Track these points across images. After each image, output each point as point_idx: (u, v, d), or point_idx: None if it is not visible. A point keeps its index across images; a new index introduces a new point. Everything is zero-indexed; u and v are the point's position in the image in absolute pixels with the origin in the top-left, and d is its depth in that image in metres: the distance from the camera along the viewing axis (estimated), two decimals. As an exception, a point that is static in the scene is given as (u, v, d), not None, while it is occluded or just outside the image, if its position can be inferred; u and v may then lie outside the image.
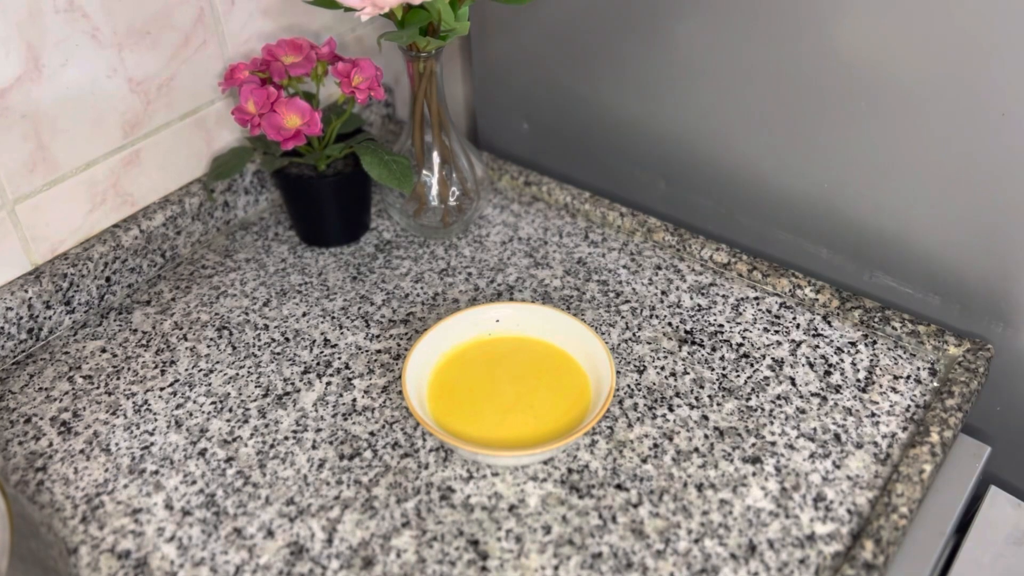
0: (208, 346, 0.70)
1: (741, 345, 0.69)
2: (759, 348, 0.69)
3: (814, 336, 0.70)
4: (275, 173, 0.76)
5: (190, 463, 0.61)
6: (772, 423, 0.63)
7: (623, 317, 0.72)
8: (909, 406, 0.64)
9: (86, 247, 0.72)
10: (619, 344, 0.69)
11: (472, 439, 0.60)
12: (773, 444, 0.61)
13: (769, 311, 0.72)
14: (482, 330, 0.67)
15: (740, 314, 0.72)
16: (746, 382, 0.66)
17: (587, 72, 0.81)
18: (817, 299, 0.72)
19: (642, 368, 0.67)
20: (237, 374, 0.68)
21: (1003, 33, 0.57)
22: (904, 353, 0.68)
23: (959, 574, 0.62)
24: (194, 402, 0.66)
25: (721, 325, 0.71)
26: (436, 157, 0.76)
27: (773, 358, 0.68)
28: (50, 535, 0.55)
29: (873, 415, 0.63)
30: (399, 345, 0.70)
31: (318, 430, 0.63)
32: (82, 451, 0.62)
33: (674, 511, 0.57)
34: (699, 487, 0.59)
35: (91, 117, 0.70)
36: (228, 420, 0.64)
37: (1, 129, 0.64)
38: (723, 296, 0.74)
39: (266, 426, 0.64)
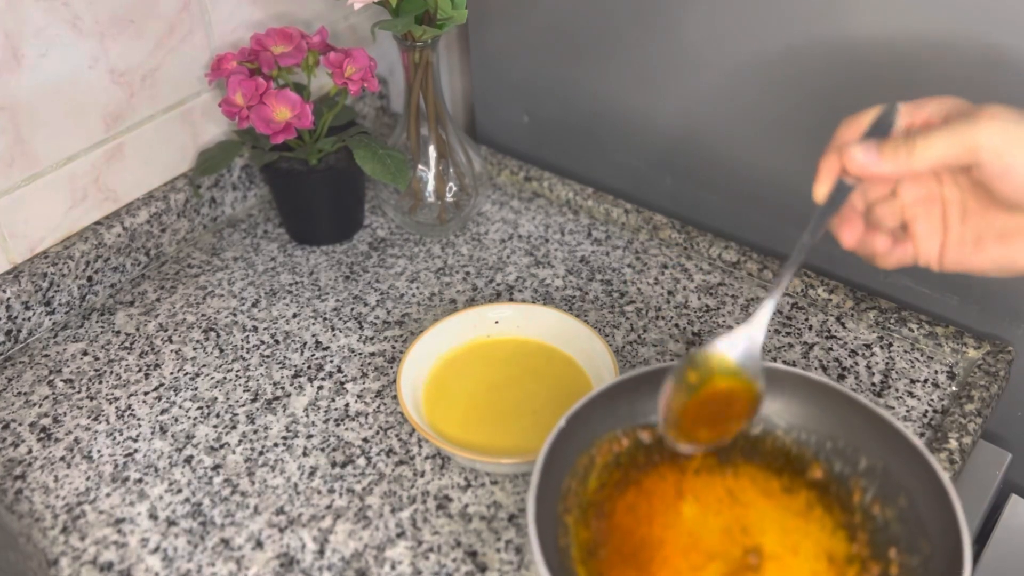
0: (194, 349, 0.70)
1: (751, 347, 0.69)
2: (770, 351, 0.69)
3: (827, 338, 0.70)
4: (264, 168, 0.76)
5: (175, 471, 0.61)
6: (783, 429, 0.63)
7: (628, 318, 0.72)
8: (926, 411, 0.64)
9: (67, 245, 0.72)
10: (624, 346, 0.69)
11: (470, 445, 0.60)
12: (784, 451, 0.61)
13: (780, 312, 0.72)
14: (480, 332, 0.67)
15: (750, 315, 0.72)
16: (756, 386, 0.66)
17: (590, 63, 0.81)
18: (831, 299, 0.72)
19: (648, 371, 0.67)
20: (225, 378, 0.68)
21: (1024, 21, 0.57)
22: (921, 356, 0.68)
23: (979, 586, 0.62)
24: (180, 407, 0.66)
25: (730, 327, 0.71)
26: (432, 151, 0.76)
27: (785, 361, 0.68)
28: (29, 546, 0.55)
29: (889, 420, 0.63)
30: (394, 347, 0.70)
31: (309, 436, 0.63)
32: (63, 458, 0.62)
33: (681, 521, 0.57)
34: (707, 496, 0.59)
35: (72, 109, 0.70)
36: (215, 426, 0.64)
37: (-22, 122, 0.64)
38: (732, 296, 0.74)
39: (255, 432, 0.64)
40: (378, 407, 0.65)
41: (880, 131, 0.45)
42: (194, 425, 0.64)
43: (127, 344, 0.71)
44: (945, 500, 0.44)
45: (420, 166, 0.77)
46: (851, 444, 0.50)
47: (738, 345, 0.49)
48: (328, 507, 0.59)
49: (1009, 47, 0.58)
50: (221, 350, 0.70)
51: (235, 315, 0.73)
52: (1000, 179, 0.40)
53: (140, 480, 0.61)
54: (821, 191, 0.46)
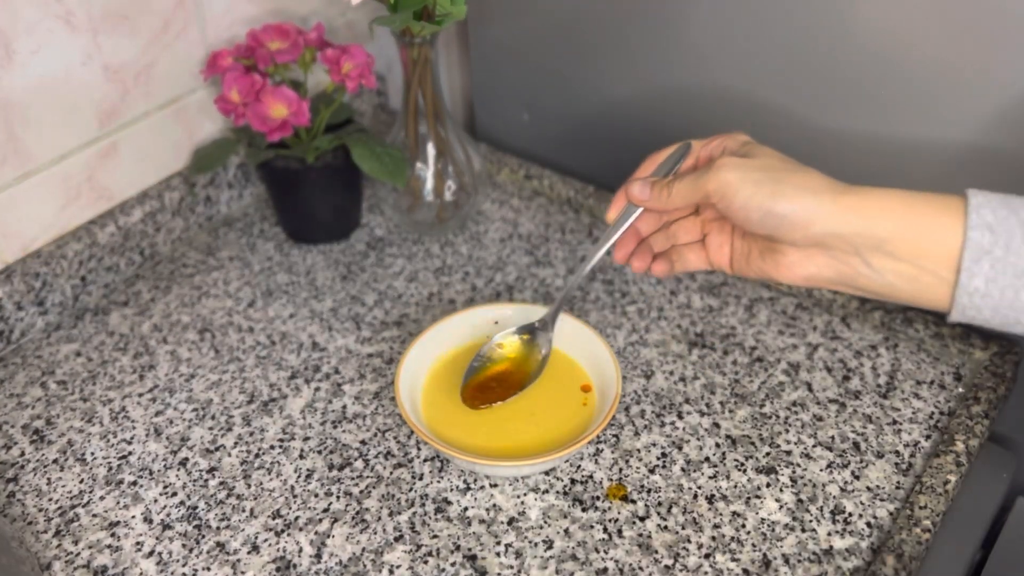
0: (189, 349, 0.70)
1: (754, 348, 0.69)
2: (773, 352, 0.69)
3: (832, 339, 0.70)
4: (260, 166, 0.76)
5: (170, 473, 0.61)
6: (787, 431, 0.63)
7: (629, 319, 0.72)
8: (933, 413, 0.64)
9: (60, 244, 0.72)
10: (625, 347, 0.69)
11: (469, 448, 0.60)
12: (788, 453, 0.61)
13: (784, 312, 0.72)
14: (480, 332, 0.67)
15: (753, 315, 0.72)
16: (760, 388, 0.66)
17: (591, 59, 0.81)
18: (835, 300, 0.72)
19: (650, 373, 0.67)
20: (220, 379, 0.68)
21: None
22: (927, 357, 0.68)
23: (985, 591, 0.62)
24: (174, 409, 0.66)
25: (733, 327, 0.71)
26: (431, 149, 0.76)
27: (788, 362, 0.68)
28: (22, 550, 0.55)
29: (895, 423, 0.63)
30: (392, 348, 0.70)
31: (306, 439, 0.63)
32: (56, 461, 0.62)
33: (683, 524, 0.57)
34: (710, 499, 0.59)
35: (65, 106, 0.69)
36: (211, 428, 0.64)
37: (-31, 119, 0.64)
38: (735, 296, 0.74)
39: (251, 434, 0.64)
40: (376, 409, 0.65)
41: (673, 165, 0.56)
42: (189, 427, 0.64)
43: (121, 345, 0.71)
44: None
45: (419, 164, 0.76)
46: None
47: (520, 337, 0.64)
48: (325, 510, 0.58)
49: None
50: (216, 351, 0.70)
51: (231, 315, 0.73)
52: (727, 213, 0.51)
53: (134, 483, 0.61)
54: (611, 214, 0.58)
